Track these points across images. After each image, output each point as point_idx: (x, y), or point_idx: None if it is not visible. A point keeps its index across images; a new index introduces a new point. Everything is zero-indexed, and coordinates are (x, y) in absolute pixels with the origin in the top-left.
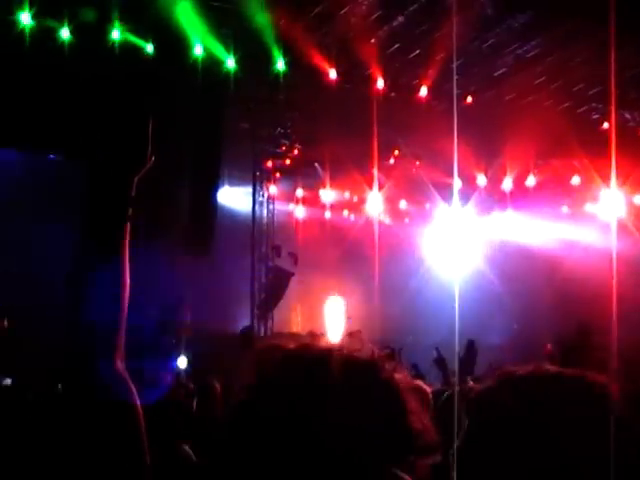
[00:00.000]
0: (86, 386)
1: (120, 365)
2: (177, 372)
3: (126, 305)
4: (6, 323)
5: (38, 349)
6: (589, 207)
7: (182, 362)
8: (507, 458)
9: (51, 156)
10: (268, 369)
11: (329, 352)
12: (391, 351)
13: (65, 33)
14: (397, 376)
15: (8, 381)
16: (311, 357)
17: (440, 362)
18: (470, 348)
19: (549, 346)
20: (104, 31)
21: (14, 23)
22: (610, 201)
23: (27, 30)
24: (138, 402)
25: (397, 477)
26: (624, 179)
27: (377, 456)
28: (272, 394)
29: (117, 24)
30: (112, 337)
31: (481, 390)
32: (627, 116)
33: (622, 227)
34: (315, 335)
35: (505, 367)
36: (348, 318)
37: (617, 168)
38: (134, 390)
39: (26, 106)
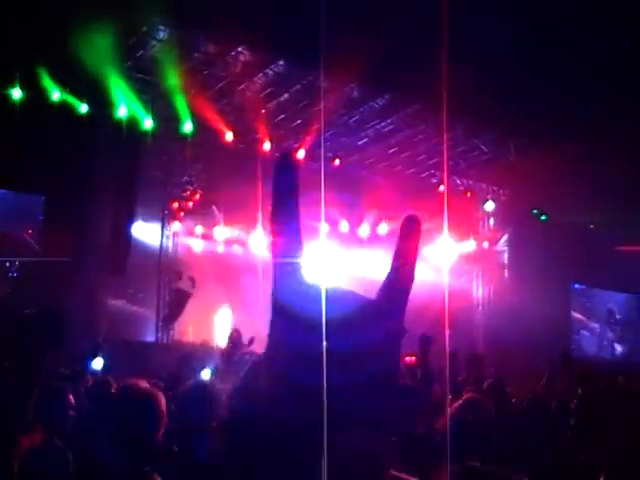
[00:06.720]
0: None
1: None
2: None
3: None
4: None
5: None
6: (426, 250)
7: (98, 363)
8: None
9: None
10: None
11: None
12: None
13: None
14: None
15: None
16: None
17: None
18: None
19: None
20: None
21: None
22: (443, 245)
23: None
24: None
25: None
26: (454, 229)
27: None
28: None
29: (58, 87)
30: None
31: None
32: (458, 181)
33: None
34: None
35: None
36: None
37: (449, 221)
38: None
39: None
